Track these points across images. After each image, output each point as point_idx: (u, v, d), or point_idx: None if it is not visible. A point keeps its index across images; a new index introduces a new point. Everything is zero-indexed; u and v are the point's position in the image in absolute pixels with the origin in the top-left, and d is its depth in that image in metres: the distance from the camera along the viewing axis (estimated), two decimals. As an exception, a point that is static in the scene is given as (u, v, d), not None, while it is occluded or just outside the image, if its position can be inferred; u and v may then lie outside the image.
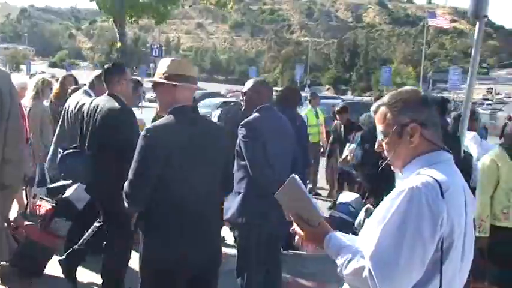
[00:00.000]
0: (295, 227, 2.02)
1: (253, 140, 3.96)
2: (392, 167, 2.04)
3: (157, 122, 2.96)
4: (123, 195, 2.86)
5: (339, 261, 1.85)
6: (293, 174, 2.00)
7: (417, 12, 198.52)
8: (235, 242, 5.29)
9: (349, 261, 1.81)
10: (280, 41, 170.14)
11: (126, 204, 2.88)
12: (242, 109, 4.34)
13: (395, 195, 1.80)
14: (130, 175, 2.82)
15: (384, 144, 2.02)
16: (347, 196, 7.46)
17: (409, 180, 1.83)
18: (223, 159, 3.12)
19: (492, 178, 4.38)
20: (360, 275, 1.76)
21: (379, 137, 2.03)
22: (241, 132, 4.04)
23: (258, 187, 3.93)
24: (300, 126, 5.87)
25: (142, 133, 2.84)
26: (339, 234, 1.97)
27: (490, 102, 41.58)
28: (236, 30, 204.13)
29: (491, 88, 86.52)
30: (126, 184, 2.85)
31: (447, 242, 1.77)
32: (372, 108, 2.09)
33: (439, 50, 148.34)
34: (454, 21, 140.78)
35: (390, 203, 1.79)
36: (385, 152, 2.02)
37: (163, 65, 3.03)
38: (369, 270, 1.72)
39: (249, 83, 4.27)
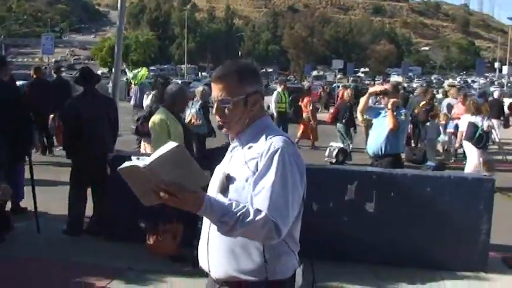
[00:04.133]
0: (160, 190, 1.95)
1: None
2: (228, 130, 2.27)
3: None
4: None
5: (229, 219, 1.96)
6: (179, 143, 1.99)
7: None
8: None
9: (245, 217, 1.97)
10: None
11: None
12: None
13: (267, 156, 2.08)
14: None
15: (226, 110, 2.19)
16: None
17: (270, 142, 2.12)
18: None
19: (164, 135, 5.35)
20: (262, 225, 1.98)
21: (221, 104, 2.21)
22: None
23: None
24: None
25: None
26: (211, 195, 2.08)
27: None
28: None
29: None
30: None
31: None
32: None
33: (8, 13, 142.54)
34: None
35: (266, 161, 2.07)
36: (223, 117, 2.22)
37: None
38: (272, 220, 1.99)
39: None
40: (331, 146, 12.99)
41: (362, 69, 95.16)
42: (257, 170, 2.08)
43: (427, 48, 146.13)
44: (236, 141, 2.25)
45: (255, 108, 2.22)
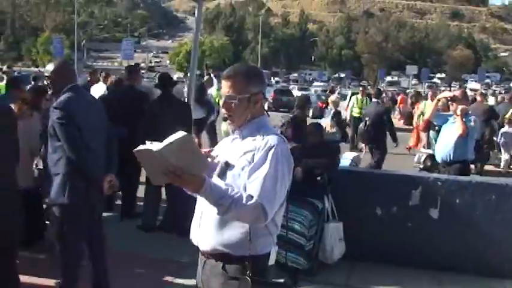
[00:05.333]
0: (168, 172, 2.25)
1: (68, 122, 4.05)
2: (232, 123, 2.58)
3: None
4: None
5: (224, 201, 2.29)
6: (187, 133, 2.31)
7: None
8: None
9: (238, 201, 2.30)
10: None
11: None
12: (50, 92, 4.48)
13: (262, 151, 2.41)
14: None
15: (232, 105, 2.52)
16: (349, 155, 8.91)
17: (267, 139, 2.45)
18: None
19: None
20: (252, 209, 2.31)
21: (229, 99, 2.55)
22: (55, 114, 4.08)
23: (76, 167, 4.09)
24: None
25: None
26: (214, 180, 2.38)
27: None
28: None
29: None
30: None
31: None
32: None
33: (90, 18, 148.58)
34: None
35: (262, 155, 2.40)
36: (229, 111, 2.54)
37: None
38: (261, 205, 2.32)
39: (51, 66, 4.31)
40: (421, 151, 12.93)
41: (438, 75, 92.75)
42: (253, 161, 2.41)
43: (506, 54, 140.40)
44: (237, 134, 2.58)
45: (257, 106, 2.57)
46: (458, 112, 6.76)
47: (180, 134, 2.27)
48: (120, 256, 5.33)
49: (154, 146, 2.27)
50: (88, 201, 4.17)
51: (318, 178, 5.63)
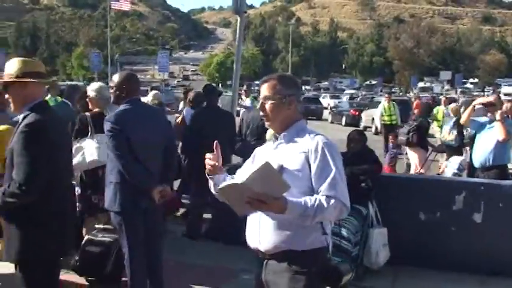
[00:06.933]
0: (253, 201, 2.43)
1: (116, 134, 4.24)
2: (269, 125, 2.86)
3: None
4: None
5: (309, 212, 2.51)
6: (267, 161, 2.44)
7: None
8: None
9: (320, 206, 2.52)
10: None
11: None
12: (111, 102, 4.62)
13: (318, 152, 2.63)
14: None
15: (267, 106, 2.81)
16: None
17: (316, 140, 2.67)
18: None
19: None
20: (334, 208, 2.55)
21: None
22: (106, 126, 4.29)
23: (125, 177, 4.26)
24: None
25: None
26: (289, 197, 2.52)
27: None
28: None
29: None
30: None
31: None
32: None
33: (122, 32, 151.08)
34: (134, 3, 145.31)
35: (320, 155, 2.63)
36: (265, 111, 2.82)
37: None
38: (340, 201, 2.56)
39: (116, 77, 4.50)
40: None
41: (471, 80, 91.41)
42: (309, 162, 2.63)
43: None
44: (282, 139, 2.78)
45: (291, 108, 2.78)
46: (498, 117, 6.78)
47: (261, 162, 2.42)
48: (168, 264, 5.43)
49: (238, 179, 2.52)
50: (137, 210, 4.33)
51: (362, 184, 5.72)
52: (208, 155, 2.82)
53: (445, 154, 11.73)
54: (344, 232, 5.31)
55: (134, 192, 4.27)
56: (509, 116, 7.32)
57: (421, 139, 8.77)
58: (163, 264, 4.69)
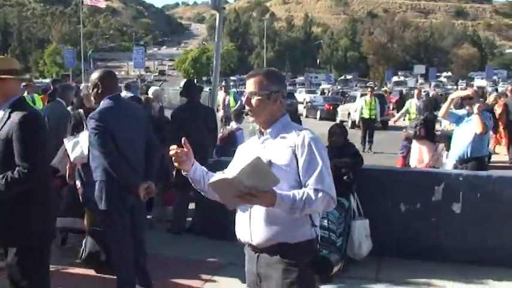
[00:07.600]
0: (243, 195, 2.47)
1: (101, 131, 4.21)
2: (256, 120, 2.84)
3: None
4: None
5: (298, 205, 2.56)
6: (258, 156, 2.47)
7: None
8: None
9: (309, 199, 2.58)
10: None
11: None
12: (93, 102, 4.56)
13: (305, 146, 2.66)
14: None
15: (252, 101, 2.81)
16: None
17: (302, 134, 2.70)
18: None
19: None
20: (322, 200, 2.59)
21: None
22: (90, 124, 4.27)
23: (111, 174, 4.23)
24: None
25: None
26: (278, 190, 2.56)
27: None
28: None
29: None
30: None
31: None
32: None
33: (95, 28, 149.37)
34: None
35: (307, 149, 2.66)
36: (250, 106, 2.82)
37: None
38: (328, 194, 2.61)
39: (94, 75, 4.47)
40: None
41: (444, 74, 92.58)
42: (295, 157, 2.67)
43: (511, 50, 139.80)
44: (268, 134, 2.81)
45: (276, 104, 2.81)
46: (475, 110, 6.89)
47: (251, 157, 2.45)
48: (154, 259, 5.39)
49: (228, 174, 2.60)
50: (125, 207, 4.33)
51: (344, 177, 5.80)
52: (172, 146, 2.74)
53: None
54: (327, 224, 5.37)
55: (121, 189, 4.27)
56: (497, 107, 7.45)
57: (428, 132, 8.90)
58: (149, 259, 4.70)
